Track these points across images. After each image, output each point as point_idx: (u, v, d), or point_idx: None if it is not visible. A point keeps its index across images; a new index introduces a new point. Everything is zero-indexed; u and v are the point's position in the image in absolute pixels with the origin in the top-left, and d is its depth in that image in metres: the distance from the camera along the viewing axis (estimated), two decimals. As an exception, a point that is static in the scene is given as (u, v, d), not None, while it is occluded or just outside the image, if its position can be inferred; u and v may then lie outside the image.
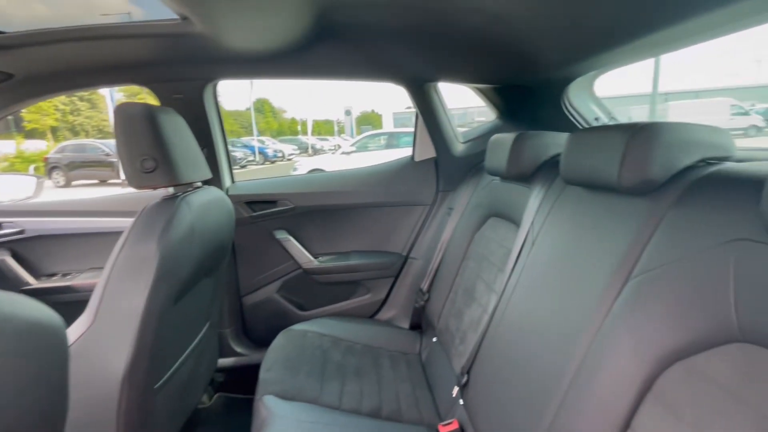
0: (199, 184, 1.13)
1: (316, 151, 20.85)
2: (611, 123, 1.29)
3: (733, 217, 0.49)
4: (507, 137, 1.07)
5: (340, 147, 11.08)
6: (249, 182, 1.55)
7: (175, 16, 0.98)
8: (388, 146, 8.31)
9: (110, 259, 0.85)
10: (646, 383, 0.53)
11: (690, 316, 0.49)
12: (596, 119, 1.30)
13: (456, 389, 0.99)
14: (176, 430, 1.10)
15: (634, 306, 0.57)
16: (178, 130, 0.98)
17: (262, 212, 1.50)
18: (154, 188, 0.92)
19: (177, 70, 1.26)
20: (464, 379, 0.96)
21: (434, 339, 1.29)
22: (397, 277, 1.58)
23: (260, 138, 21.04)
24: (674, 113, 15.08)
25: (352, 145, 8.78)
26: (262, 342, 1.51)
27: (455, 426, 0.96)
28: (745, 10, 0.60)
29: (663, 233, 0.58)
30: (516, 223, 1.02)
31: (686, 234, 0.54)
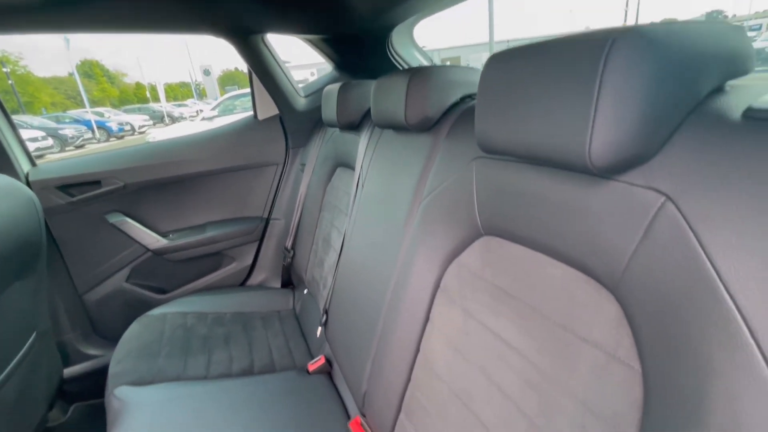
0: None
1: (175, 120, 18.22)
2: None
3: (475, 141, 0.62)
4: (334, 88, 1.10)
5: (202, 112, 9.89)
6: (58, 163, 1.30)
7: None
8: (256, 107, 7.71)
9: None
10: (436, 283, 0.66)
11: (455, 225, 0.62)
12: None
13: (320, 329, 1.07)
14: None
15: (423, 225, 0.68)
16: None
17: (83, 196, 1.29)
18: None
19: None
20: (324, 318, 1.04)
21: (305, 291, 1.35)
22: (261, 240, 1.56)
23: (97, 110, 17.34)
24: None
25: (213, 108, 7.91)
26: (118, 337, 1.37)
27: (322, 361, 1.06)
28: None
29: (439, 161, 0.69)
30: (354, 169, 1.09)
31: (452, 159, 0.66)
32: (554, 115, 0.38)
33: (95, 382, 1.35)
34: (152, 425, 0.81)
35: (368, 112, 1.08)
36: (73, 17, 1.04)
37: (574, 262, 0.43)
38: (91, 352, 1.36)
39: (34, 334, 1.08)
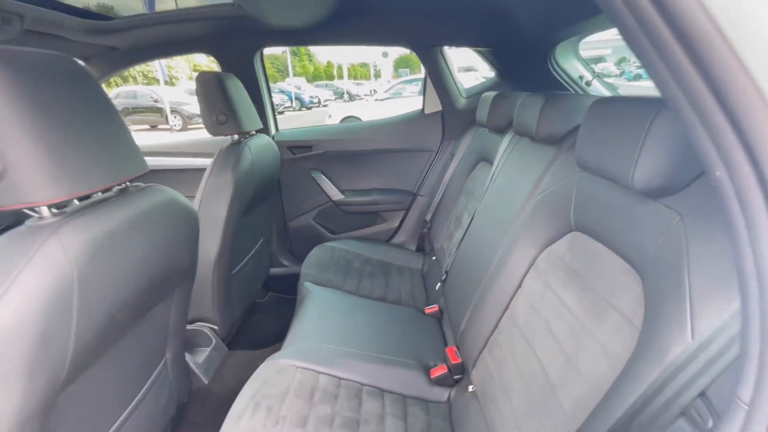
0: (254, 132, 1.51)
1: (352, 97, 20.66)
2: (594, 80, 1.50)
3: None
4: (490, 96, 1.34)
5: (375, 92, 11.09)
6: (290, 131, 1.92)
7: (230, 1, 1.30)
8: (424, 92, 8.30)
9: (201, 184, 1.26)
10: (531, 262, 0.87)
11: (545, 221, 0.82)
12: (581, 77, 1.51)
13: (439, 284, 1.38)
14: (242, 310, 1.59)
15: (530, 217, 0.89)
16: (237, 90, 1.34)
17: (300, 155, 1.88)
18: (225, 135, 1.30)
19: (233, 42, 1.60)
20: (444, 276, 1.34)
21: (434, 258, 1.67)
22: (408, 210, 1.94)
23: (295, 83, 21.04)
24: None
25: (386, 91, 8.81)
26: (301, 257, 1.97)
27: (436, 309, 1.36)
28: None
29: (555, 169, 0.88)
30: (492, 164, 1.33)
31: (565, 169, 0.85)
32: (618, 151, 0.57)
33: (285, 283, 1.98)
34: (322, 310, 1.27)
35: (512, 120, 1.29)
36: (320, 34, 1.55)
37: (623, 254, 0.61)
38: (286, 262, 2.00)
39: (261, 240, 1.69)
